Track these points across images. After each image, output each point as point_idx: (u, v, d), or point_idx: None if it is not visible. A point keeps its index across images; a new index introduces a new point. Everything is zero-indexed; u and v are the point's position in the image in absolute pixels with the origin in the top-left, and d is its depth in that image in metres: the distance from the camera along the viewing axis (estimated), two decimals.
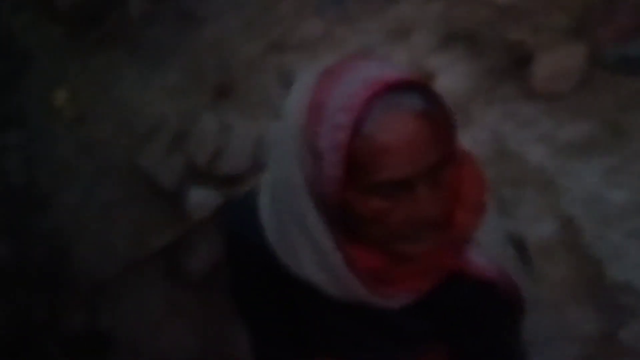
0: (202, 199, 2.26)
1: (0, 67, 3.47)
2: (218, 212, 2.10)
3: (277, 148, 0.83)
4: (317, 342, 1.06)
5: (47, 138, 2.99)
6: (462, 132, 2.00)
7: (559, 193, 1.71)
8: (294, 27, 2.73)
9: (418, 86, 0.74)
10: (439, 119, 0.74)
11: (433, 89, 0.77)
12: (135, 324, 2.04)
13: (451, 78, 2.16)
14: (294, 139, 0.78)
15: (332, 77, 0.76)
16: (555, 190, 1.73)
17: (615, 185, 1.66)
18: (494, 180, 1.84)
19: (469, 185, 0.84)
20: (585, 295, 1.54)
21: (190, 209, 2.27)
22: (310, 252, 0.83)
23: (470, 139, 1.98)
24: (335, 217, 0.80)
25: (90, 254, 2.31)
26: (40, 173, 2.75)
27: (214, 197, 2.22)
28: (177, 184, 2.50)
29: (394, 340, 1.01)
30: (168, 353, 1.97)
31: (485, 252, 0.90)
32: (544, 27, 2.18)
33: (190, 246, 2.16)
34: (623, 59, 1.92)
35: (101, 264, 2.23)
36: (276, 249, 0.87)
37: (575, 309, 1.52)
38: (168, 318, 2.04)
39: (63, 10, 3.88)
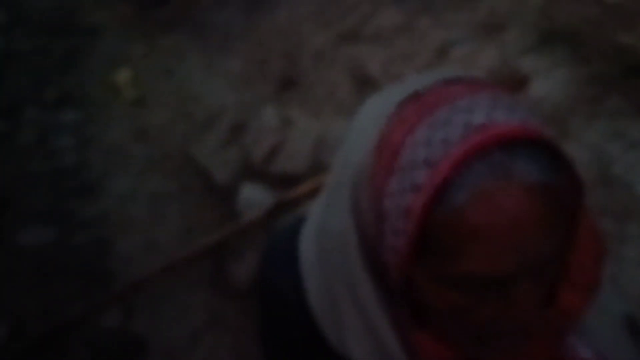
0: (253, 197, 2.09)
1: (63, 43, 3.44)
2: (268, 214, 1.92)
3: (333, 188, 0.62)
4: None
5: (104, 119, 2.91)
6: None
7: None
8: (369, 16, 2.50)
9: (541, 144, 0.51)
10: (563, 195, 0.52)
11: (562, 149, 0.52)
12: (172, 329, 1.89)
13: (548, 84, 1.86)
14: (353, 185, 0.57)
15: (417, 110, 0.53)
16: None
17: None
18: (595, 212, 1.58)
19: (581, 253, 0.60)
20: None
21: (241, 207, 2.10)
22: (361, 329, 0.62)
23: None
24: (398, 295, 0.58)
25: (133, 247, 2.19)
26: (92, 156, 2.67)
27: (266, 197, 2.04)
28: (230, 179, 2.34)
29: None
30: None
31: (593, 341, 0.68)
32: None
33: (237, 251, 1.99)
34: None
35: (143, 260, 2.09)
36: (317, 315, 0.67)
37: None
38: (206, 327, 1.88)
39: None
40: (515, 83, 1.88)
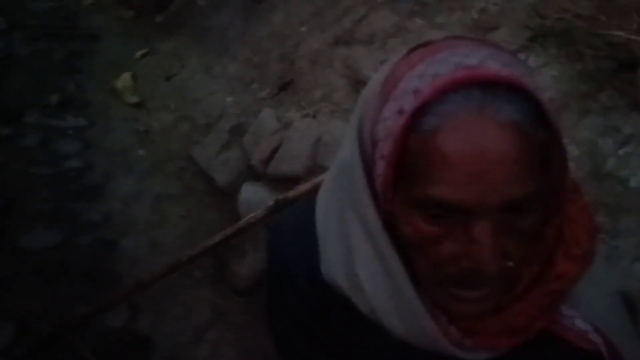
0: (253, 198, 2.12)
1: (64, 48, 3.48)
2: (268, 214, 1.95)
3: (350, 122, 0.65)
4: None
5: (105, 123, 2.95)
6: None
7: None
8: (363, 19, 2.53)
9: (525, 94, 0.54)
10: (538, 143, 0.54)
11: (546, 105, 0.55)
12: (176, 327, 1.93)
13: (540, 81, 1.89)
14: (360, 115, 0.61)
15: (421, 53, 0.58)
16: None
17: None
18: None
19: (577, 228, 0.65)
20: None
21: (241, 208, 2.13)
22: (370, 255, 0.64)
23: None
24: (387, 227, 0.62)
25: (137, 248, 2.22)
26: (95, 159, 2.71)
27: (266, 197, 2.07)
28: (230, 181, 2.38)
29: None
30: None
31: (588, 314, 0.71)
32: None
33: (238, 250, 2.02)
34: None
35: (147, 261, 2.13)
36: (330, 263, 0.69)
37: None
38: (209, 325, 1.92)
39: None
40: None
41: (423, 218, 0.56)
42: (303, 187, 2.00)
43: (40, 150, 2.77)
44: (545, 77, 1.93)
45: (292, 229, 0.79)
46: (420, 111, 0.54)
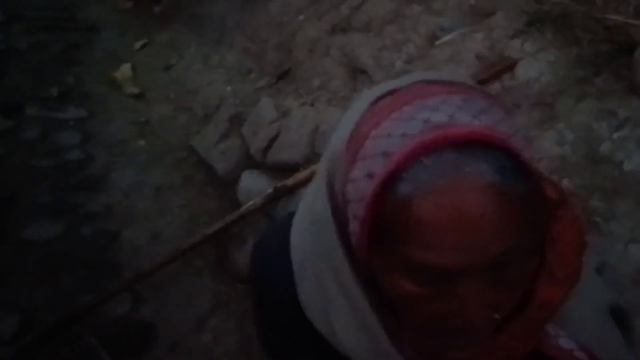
0: (253, 186, 2.14)
1: (62, 40, 3.48)
2: (267, 201, 1.96)
3: (320, 175, 0.64)
4: None
5: (105, 115, 2.96)
6: (547, 131, 1.72)
7: None
8: (360, 6, 2.53)
9: (502, 150, 0.52)
10: (518, 200, 0.52)
11: (526, 159, 0.53)
12: (178, 315, 1.95)
13: (537, 66, 1.89)
14: (328, 171, 0.60)
15: (388, 106, 0.56)
16: None
17: None
18: (584, 190, 1.60)
19: (561, 247, 0.61)
20: None
21: (241, 196, 2.15)
22: (347, 312, 0.63)
23: (557, 140, 1.73)
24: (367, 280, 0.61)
25: (139, 238, 2.24)
26: (96, 151, 2.72)
27: (265, 185, 2.09)
28: (230, 170, 2.39)
29: None
30: (209, 348, 1.86)
31: (575, 333, 0.68)
32: None
33: (239, 238, 2.04)
34: None
35: (148, 250, 2.15)
36: (307, 306, 0.68)
37: None
38: (211, 312, 1.94)
39: None
40: (503, 67, 1.91)
41: (407, 280, 0.54)
42: (301, 175, 2.01)
43: (41, 142, 2.79)
44: (542, 62, 1.93)
45: (276, 248, 0.77)
46: (392, 176, 0.52)
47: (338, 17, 2.54)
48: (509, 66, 1.92)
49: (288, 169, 2.12)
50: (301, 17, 2.75)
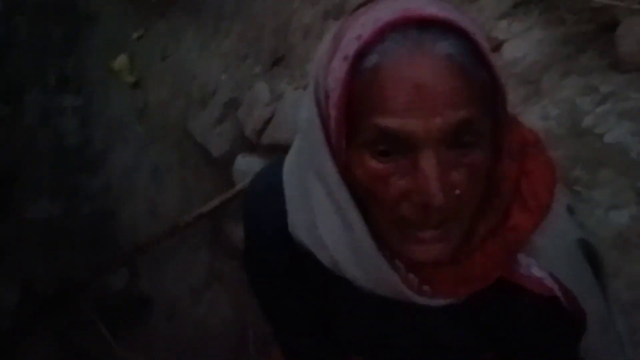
0: (247, 167, 2.19)
1: (61, 29, 3.53)
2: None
3: (307, 90, 0.69)
4: (344, 340, 0.95)
5: (103, 101, 3.01)
6: (532, 106, 1.79)
7: None
8: None
9: (462, 34, 0.58)
10: (474, 73, 0.58)
11: (485, 46, 0.59)
12: (175, 288, 2.01)
13: (523, 46, 1.94)
14: (314, 79, 0.65)
15: (367, 7, 0.62)
16: (638, 174, 1.51)
17: None
18: (567, 161, 1.66)
19: (535, 181, 0.68)
20: None
21: (236, 177, 2.20)
22: (332, 214, 0.68)
23: (541, 115, 1.78)
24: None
25: (137, 215, 2.29)
26: (95, 134, 2.77)
27: (260, 166, 2.14)
28: (225, 152, 2.44)
29: (427, 346, 0.87)
30: (205, 320, 1.92)
31: (546, 263, 0.74)
32: None
33: (233, 215, 2.09)
34: None
35: (146, 226, 2.20)
36: (295, 224, 0.73)
37: None
38: (206, 285, 1.99)
39: None
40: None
41: (373, 156, 0.59)
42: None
43: (41, 127, 2.84)
44: (528, 42, 1.98)
45: (264, 191, 0.82)
46: (363, 54, 0.57)
47: (331, 3, 2.59)
48: (495, 47, 1.97)
49: (282, 149, 2.17)
50: (296, 4, 2.80)
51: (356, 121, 0.60)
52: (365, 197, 0.63)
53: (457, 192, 0.59)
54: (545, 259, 0.73)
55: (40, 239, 2.16)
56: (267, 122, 2.31)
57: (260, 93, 2.47)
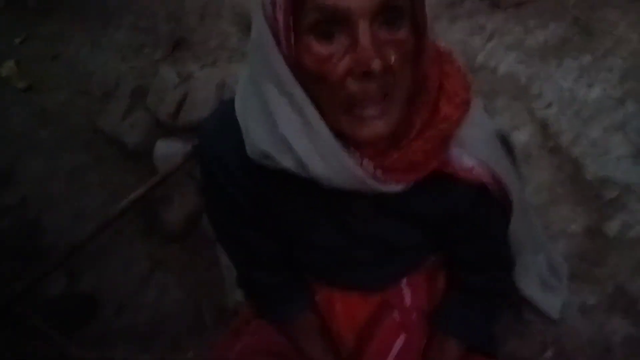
0: (168, 151, 2.19)
1: None
2: (188, 159, 2.03)
3: (253, 13, 0.77)
4: (305, 262, 1.03)
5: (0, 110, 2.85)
6: None
7: (533, 98, 1.69)
8: None
9: None
10: None
11: None
12: (119, 281, 1.99)
13: None
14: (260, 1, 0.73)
15: None
16: (529, 96, 1.70)
17: (588, 84, 1.64)
18: None
19: (454, 82, 0.81)
20: (568, 194, 1.53)
21: (159, 163, 2.19)
22: (291, 115, 0.75)
23: None
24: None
25: (62, 220, 2.23)
26: None
27: (181, 147, 2.15)
28: (141, 141, 2.42)
29: (382, 250, 0.97)
30: (155, 305, 1.93)
31: (474, 152, 0.87)
32: None
33: (165, 199, 2.10)
34: None
35: (75, 229, 2.15)
36: (255, 139, 0.79)
37: (559, 208, 1.51)
38: (151, 272, 1.99)
39: None
40: None
41: (318, 40, 0.69)
42: None
43: None
44: None
45: (217, 127, 0.88)
46: None
47: None
48: None
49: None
50: None
51: (300, 11, 0.68)
52: (316, 84, 0.72)
53: (392, 60, 0.69)
54: (473, 147, 0.87)
55: None
56: (180, 104, 2.31)
57: (166, 77, 2.46)
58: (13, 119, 2.80)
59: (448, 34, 1.98)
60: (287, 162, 0.78)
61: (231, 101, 0.86)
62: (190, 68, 2.44)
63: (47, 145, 2.62)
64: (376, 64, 0.67)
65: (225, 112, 0.86)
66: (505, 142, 0.99)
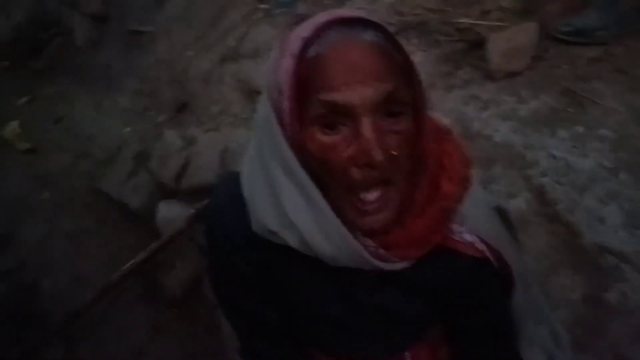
0: (171, 214, 2.21)
1: None
2: (190, 224, 2.05)
3: (260, 97, 0.82)
4: (308, 334, 1.03)
5: (1, 173, 2.88)
6: None
7: (529, 166, 1.74)
8: (245, 36, 2.72)
9: (378, 27, 0.75)
10: (392, 55, 0.74)
11: (394, 37, 0.77)
12: (117, 349, 1.96)
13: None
14: (267, 83, 0.78)
15: (309, 18, 0.77)
16: (524, 164, 1.75)
17: (581, 153, 1.69)
18: None
19: (453, 159, 0.84)
20: (566, 261, 1.56)
21: (161, 226, 2.21)
22: (296, 196, 0.78)
23: None
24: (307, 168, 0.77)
25: (60, 285, 2.22)
26: None
27: (183, 211, 2.17)
28: (144, 204, 2.44)
29: (384, 323, 0.98)
30: None
31: (474, 227, 0.90)
32: (493, 9, 2.23)
33: (166, 264, 2.10)
34: (573, 31, 1.97)
35: (73, 293, 2.14)
36: (261, 216, 0.82)
37: (559, 276, 1.53)
38: (151, 338, 1.97)
39: (2, 43, 3.77)
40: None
41: (322, 130, 0.74)
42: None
43: None
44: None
45: (225, 201, 0.90)
46: (306, 49, 0.73)
47: (226, 48, 2.70)
48: None
49: (203, 191, 2.22)
50: (190, 53, 2.89)
51: (305, 101, 0.73)
52: (320, 170, 0.76)
53: (394, 152, 0.73)
54: (472, 224, 0.89)
55: None
56: (184, 167, 2.35)
57: (170, 141, 2.51)
58: (14, 182, 2.83)
59: (443, 103, 2.05)
60: (291, 240, 0.81)
61: (237, 174, 0.89)
62: (193, 132, 2.50)
63: (47, 208, 2.64)
64: (379, 155, 0.71)
65: (231, 186, 0.88)
66: (503, 215, 1.02)
